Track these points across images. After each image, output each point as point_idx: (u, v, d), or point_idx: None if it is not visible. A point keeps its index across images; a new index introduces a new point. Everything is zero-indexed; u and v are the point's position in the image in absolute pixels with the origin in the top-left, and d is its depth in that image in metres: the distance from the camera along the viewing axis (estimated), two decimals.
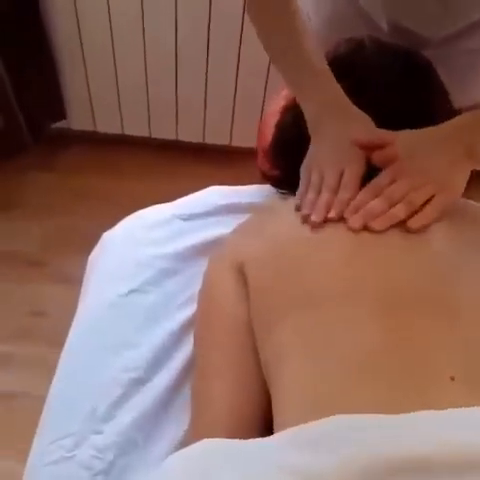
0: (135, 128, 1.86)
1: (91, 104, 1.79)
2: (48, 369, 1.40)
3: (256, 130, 1.81)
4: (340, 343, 0.51)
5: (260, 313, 0.59)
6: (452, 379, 0.47)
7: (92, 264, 0.83)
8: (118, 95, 1.76)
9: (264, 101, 1.71)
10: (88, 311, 0.75)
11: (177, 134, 1.86)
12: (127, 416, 0.64)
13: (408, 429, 0.42)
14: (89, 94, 1.77)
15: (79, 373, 0.68)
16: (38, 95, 1.68)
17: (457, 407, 0.43)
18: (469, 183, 0.68)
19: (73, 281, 1.60)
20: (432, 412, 0.42)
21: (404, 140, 0.65)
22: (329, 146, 0.67)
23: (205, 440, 0.48)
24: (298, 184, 0.72)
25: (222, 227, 0.81)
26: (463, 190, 0.64)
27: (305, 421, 0.44)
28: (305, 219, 0.61)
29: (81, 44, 1.64)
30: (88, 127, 1.85)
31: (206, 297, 0.66)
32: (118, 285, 0.76)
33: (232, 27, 1.53)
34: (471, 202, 0.69)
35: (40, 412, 0.68)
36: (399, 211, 0.59)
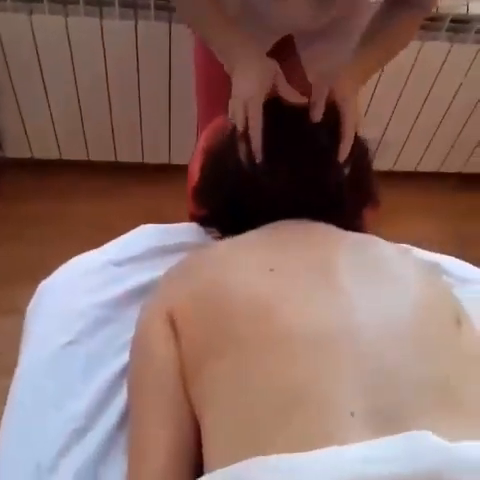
0: (73, 152, 1.87)
1: (25, 131, 1.79)
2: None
3: (193, 148, 1.85)
4: (254, 388, 0.55)
5: (190, 360, 0.63)
6: (352, 415, 0.51)
7: (30, 315, 0.85)
8: (52, 121, 1.76)
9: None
10: (29, 365, 0.76)
11: (116, 155, 1.88)
12: (71, 466, 0.67)
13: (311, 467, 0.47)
14: (22, 121, 1.76)
15: (22, 430, 0.70)
16: None
17: (359, 441, 0.47)
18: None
19: (22, 312, 1.60)
20: (332, 449, 0.47)
21: None
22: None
23: None
24: (225, 222, 0.82)
25: (155, 270, 0.84)
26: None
27: (225, 463, 0.49)
28: None
29: (9, 73, 1.64)
30: (24, 154, 1.84)
31: (137, 349, 0.70)
32: (56, 337, 0.78)
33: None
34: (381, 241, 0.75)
35: None
36: None
